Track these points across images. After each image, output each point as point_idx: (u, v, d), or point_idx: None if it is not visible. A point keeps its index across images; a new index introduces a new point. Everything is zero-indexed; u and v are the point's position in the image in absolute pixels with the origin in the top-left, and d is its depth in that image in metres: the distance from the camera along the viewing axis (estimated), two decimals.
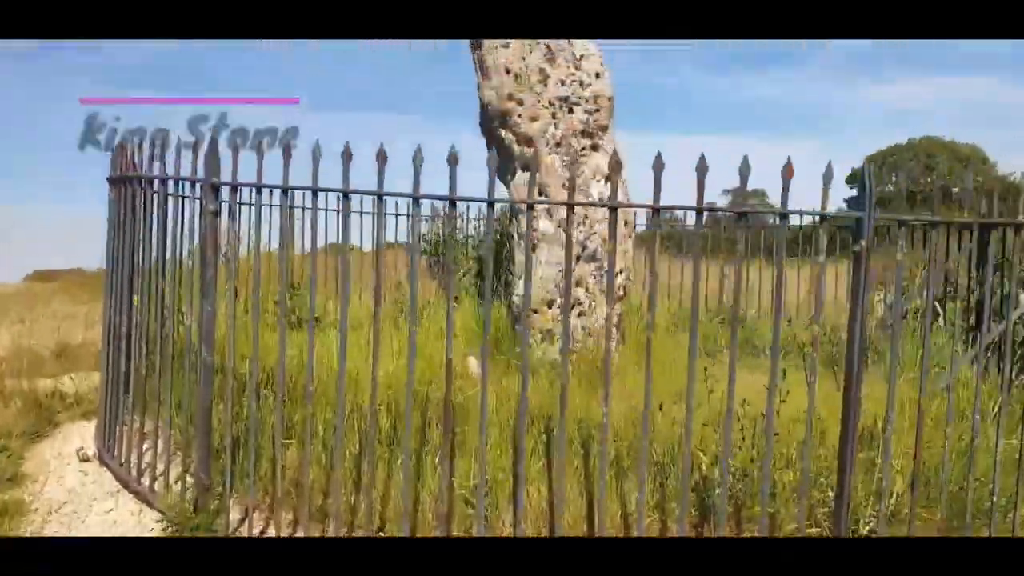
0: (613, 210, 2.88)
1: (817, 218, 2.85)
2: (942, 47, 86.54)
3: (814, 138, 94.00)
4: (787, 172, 2.75)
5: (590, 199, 5.60)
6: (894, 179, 56.70)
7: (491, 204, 2.99)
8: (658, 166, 2.80)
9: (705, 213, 2.88)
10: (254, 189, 3.23)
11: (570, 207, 2.94)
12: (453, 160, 2.87)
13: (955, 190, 51.93)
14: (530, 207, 2.95)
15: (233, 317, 3.34)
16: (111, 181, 4.28)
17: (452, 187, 2.94)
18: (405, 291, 8.42)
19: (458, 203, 3.12)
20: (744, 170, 2.75)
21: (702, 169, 2.75)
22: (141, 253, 3.93)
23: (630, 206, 3.21)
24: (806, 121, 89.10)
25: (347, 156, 2.97)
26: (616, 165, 2.89)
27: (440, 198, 3.09)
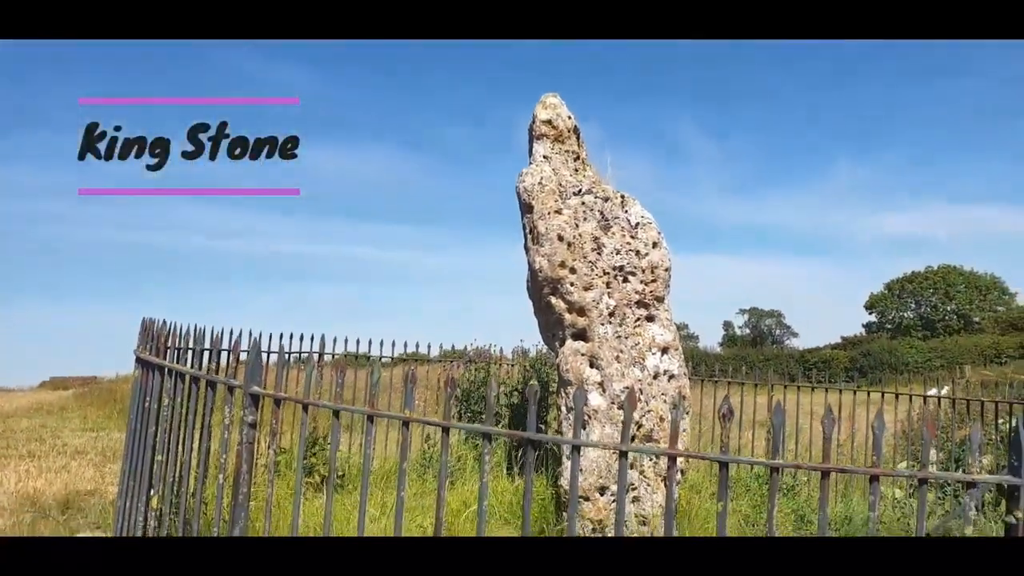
0: (672, 459, 2.51)
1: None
2: (959, 176, 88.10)
3: (826, 262, 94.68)
4: None
5: (645, 371, 5.24)
6: (912, 306, 56.44)
7: (532, 442, 2.60)
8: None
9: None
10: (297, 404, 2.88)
11: (623, 453, 2.54)
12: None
13: (976, 319, 51.40)
14: (576, 449, 2.57)
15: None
16: (139, 360, 3.96)
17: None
18: (435, 441, 7.92)
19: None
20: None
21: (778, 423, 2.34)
22: (164, 448, 3.56)
23: (689, 455, 2.75)
24: (818, 244, 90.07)
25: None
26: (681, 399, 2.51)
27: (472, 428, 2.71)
